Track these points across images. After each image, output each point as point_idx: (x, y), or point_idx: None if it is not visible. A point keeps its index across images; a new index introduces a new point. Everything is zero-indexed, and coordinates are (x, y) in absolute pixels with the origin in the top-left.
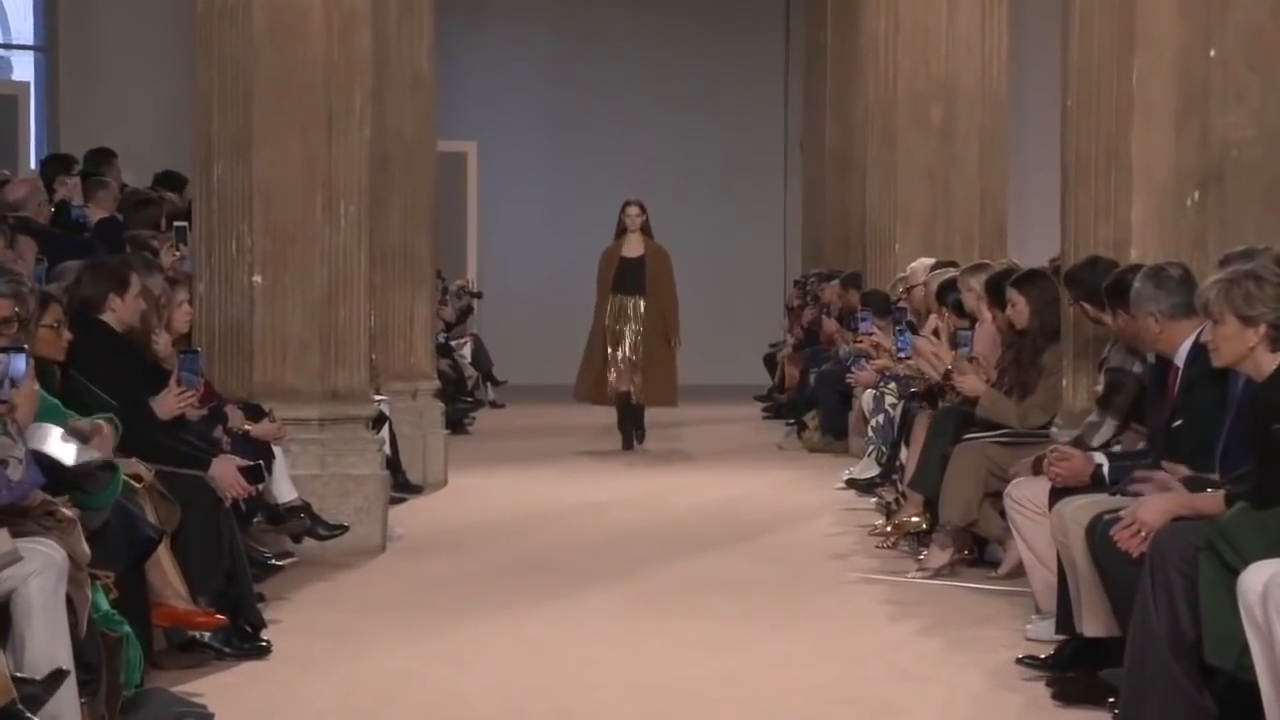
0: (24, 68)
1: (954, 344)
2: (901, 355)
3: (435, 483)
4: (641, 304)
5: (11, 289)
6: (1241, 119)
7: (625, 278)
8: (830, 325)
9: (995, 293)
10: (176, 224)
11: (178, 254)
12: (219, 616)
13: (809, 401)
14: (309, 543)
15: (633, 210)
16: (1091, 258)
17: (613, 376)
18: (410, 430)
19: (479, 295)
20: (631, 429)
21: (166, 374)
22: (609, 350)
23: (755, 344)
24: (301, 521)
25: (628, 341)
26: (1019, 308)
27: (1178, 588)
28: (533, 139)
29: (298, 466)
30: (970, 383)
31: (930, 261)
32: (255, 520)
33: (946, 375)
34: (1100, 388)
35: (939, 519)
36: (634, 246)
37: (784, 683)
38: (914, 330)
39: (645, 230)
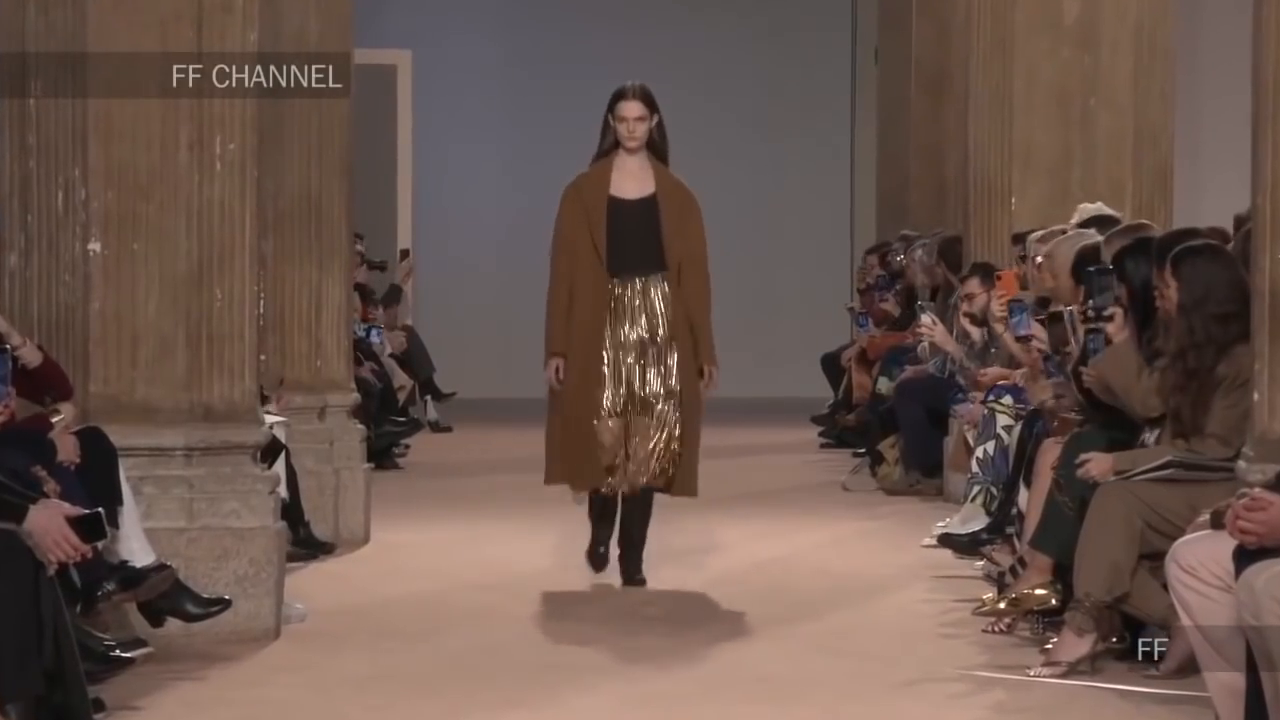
0: None
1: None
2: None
3: (352, 539)
4: (656, 290)
5: None
6: None
7: (623, 239)
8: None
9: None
10: None
11: None
12: None
13: (886, 422)
14: (171, 625)
15: (632, 107)
16: None
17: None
18: (317, 464)
19: (382, 267)
20: (621, 541)
21: None
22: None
23: (811, 341)
24: (166, 574)
25: (626, 368)
26: (1168, 297)
27: None
28: (489, 49)
29: (155, 516)
30: (1097, 466)
31: (1091, 208)
32: (103, 593)
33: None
34: None
35: (1074, 592)
36: (635, 178)
37: None
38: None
39: (656, 150)
